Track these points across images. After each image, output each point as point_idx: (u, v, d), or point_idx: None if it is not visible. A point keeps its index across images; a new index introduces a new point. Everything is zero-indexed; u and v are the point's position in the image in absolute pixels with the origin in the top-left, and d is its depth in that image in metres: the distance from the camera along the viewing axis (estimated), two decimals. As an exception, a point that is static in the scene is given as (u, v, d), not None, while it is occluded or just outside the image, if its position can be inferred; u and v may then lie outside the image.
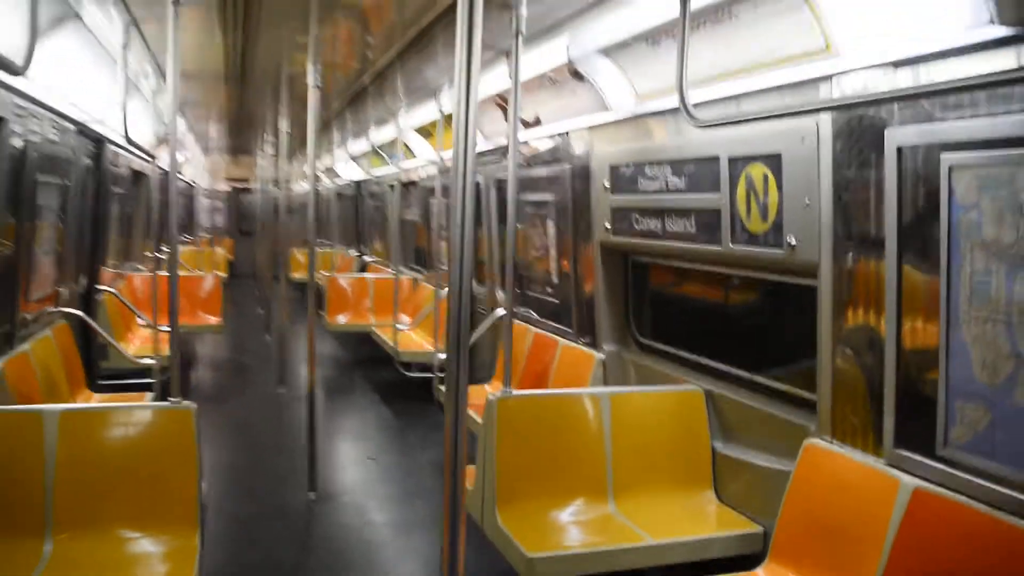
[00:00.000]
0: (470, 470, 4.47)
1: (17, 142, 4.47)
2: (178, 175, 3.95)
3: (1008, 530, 2.56)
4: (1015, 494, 2.58)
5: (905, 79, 2.85)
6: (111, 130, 6.87)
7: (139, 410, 3.84)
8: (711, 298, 4.80)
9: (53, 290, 6.01)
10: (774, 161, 3.53)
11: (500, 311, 5.92)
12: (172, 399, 3.80)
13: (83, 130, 6.10)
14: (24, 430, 3.59)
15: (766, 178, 3.59)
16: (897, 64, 2.87)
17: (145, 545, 3.56)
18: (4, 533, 3.44)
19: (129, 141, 5.08)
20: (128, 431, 3.78)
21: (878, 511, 2.99)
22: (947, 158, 2.73)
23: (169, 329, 4.00)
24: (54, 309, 6.06)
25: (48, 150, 5.13)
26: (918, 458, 2.93)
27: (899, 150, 2.90)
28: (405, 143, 9.21)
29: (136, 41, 4.97)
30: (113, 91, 6.03)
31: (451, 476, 2.44)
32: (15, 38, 3.71)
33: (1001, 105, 2.54)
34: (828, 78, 3.15)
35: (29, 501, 3.53)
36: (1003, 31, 2.44)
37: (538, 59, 4.71)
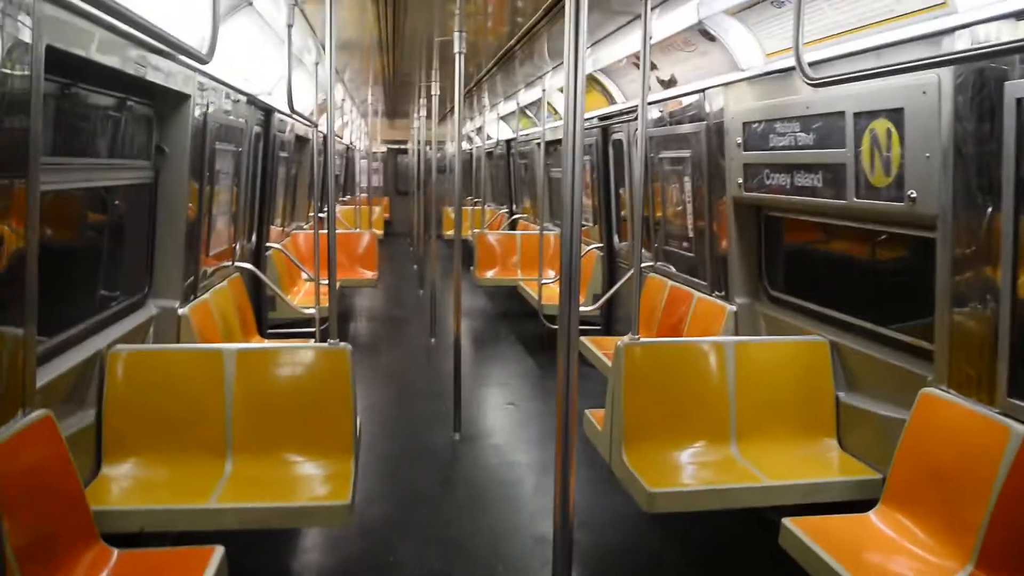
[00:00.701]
0: (600, 413, 4.76)
1: (199, 115, 5.05)
2: (337, 139, 4.38)
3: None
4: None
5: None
6: (278, 100, 7.49)
7: (302, 350, 4.34)
8: (839, 251, 4.84)
9: (229, 246, 6.68)
10: (897, 115, 3.58)
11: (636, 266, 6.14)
12: (331, 341, 4.26)
13: (252, 101, 6.71)
14: (208, 365, 4.15)
15: (889, 132, 3.64)
16: (1019, 16, 2.89)
17: (308, 468, 4.05)
18: (193, 452, 4.01)
19: (292, 109, 5.59)
20: (294, 369, 4.29)
21: (988, 458, 3.07)
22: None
23: (328, 283, 4.47)
24: (230, 264, 6.74)
25: (223, 120, 5.72)
26: (1031, 406, 3.00)
27: (1018, 101, 2.92)
28: (550, 103, 9.46)
29: (299, 20, 5.44)
30: (279, 66, 6.62)
31: (563, 415, 2.66)
32: (199, 27, 4.24)
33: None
34: (949, 31, 3.18)
35: (213, 426, 4.08)
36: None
37: (671, 21, 4.85)
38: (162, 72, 4.34)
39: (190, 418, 4.07)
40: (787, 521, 3.41)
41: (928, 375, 3.61)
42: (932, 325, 3.57)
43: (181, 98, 4.84)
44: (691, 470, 4.19)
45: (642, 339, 4.44)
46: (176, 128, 4.92)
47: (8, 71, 2.70)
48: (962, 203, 3.27)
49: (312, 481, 3.95)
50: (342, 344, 4.22)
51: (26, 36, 2.78)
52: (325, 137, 4.96)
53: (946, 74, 3.24)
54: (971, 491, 3.12)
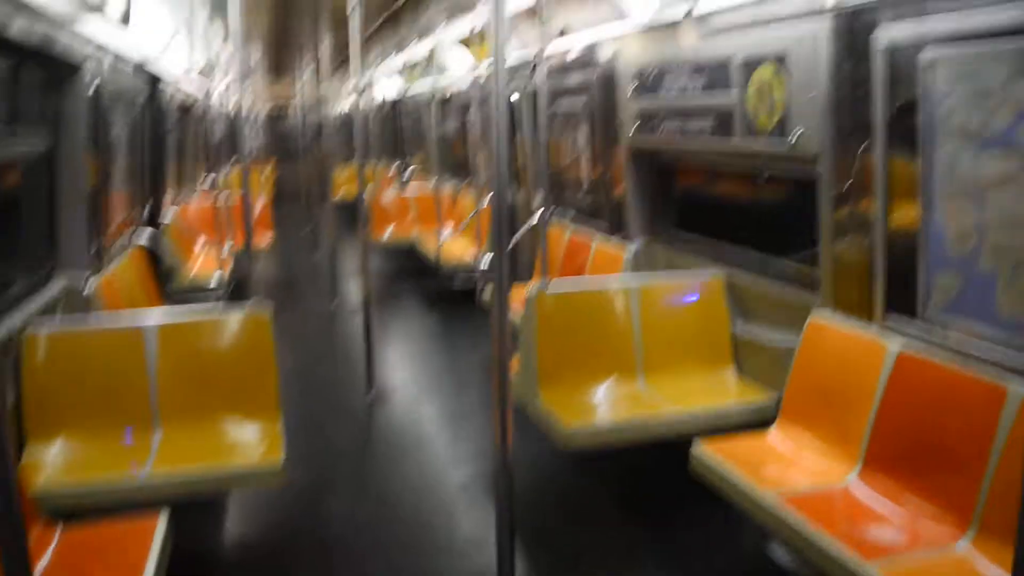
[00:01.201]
0: (512, 361, 4.94)
1: (92, 82, 4.90)
2: (226, 105, 4.34)
3: (976, 382, 2.96)
4: (984, 344, 2.97)
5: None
6: (164, 66, 7.29)
7: (223, 316, 4.33)
8: (729, 192, 5.14)
9: (129, 217, 6.53)
10: (781, 62, 3.84)
11: (537, 214, 6.31)
12: (249, 303, 4.28)
13: (141, 67, 6.52)
14: (129, 339, 4.11)
15: (774, 77, 3.90)
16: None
17: (238, 432, 4.08)
18: (121, 426, 4.00)
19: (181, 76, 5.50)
20: (215, 335, 4.29)
21: (869, 373, 3.41)
22: (926, 55, 3.04)
23: (225, 249, 4.45)
24: (130, 235, 6.59)
25: (116, 87, 5.56)
26: (904, 321, 3.33)
27: (886, 47, 3.20)
28: (443, 62, 9.48)
29: None
30: (163, 29, 6.44)
31: (499, 364, 2.81)
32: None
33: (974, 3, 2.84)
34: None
35: (138, 398, 4.06)
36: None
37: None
38: (57, 42, 4.21)
39: (114, 392, 4.04)
40: (697, 443, 3.68)
41: (815, 300, 3.92)
42: (816, 256, 3.88)
43: (74, 67, 4.70)
44: (604, 407, 4.43)
45: (550, 284, 4.62)
46: (70, 96, 4.78)
47: None
48: (840, 142, 3.55)
49: (243, 445, 4.00)
50: (261, 306, 4.24)
51: None
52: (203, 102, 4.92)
53: (826, 22, 3.49)
54: (855, 403, 3.45)
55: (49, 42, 4.11)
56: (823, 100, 3.59)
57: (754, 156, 4.35)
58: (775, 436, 3.81)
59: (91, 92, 4.89)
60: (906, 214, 3.27)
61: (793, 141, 3.81)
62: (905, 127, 3.19)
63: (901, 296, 3.35)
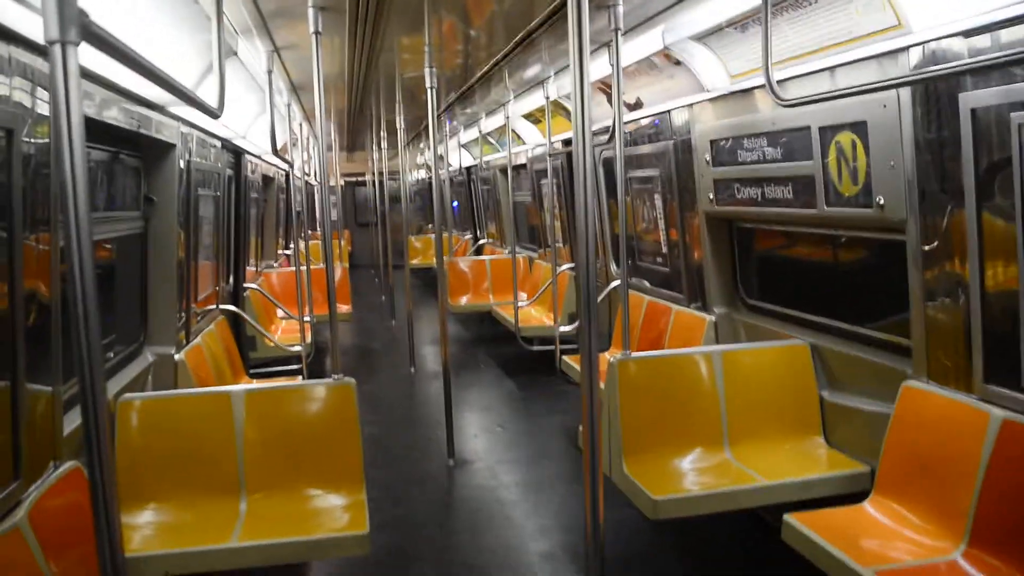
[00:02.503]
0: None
1: (183, 163, 5.16)
2: (306, 177, 4.51)
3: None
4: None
5: (980, 44, 3.12)
6: (248, 142, 7.62)
7: (309, 387, 4.44)
8: (811, 258, 5.08)
9: (214, 290, 6.77)
10: (861, 128, 3.83)
11: (615, 282, 6.34)
12: (335, 376, 4.38)
13: (226, 145, 6.83)
14: (217, 408, 4.24)
15: (854, 144, 3.89)
16: (967, 33, 3.15)
17: (322, 501, 4.14)
18: (208, 494, 4.10)
19: (275, 152, 5.74)
20: (301, 405, 4.39)
21: (971, 443, 3.29)
22: (1017, 116, 3.01)
23: (309, 319, 4.58)
24: (215, 307, 6.82)
25: (204, 167, 5.84)
26: (1006, 391, 3.23)
27: (972, 111, 3.18)
28: (514, 130, 9.68)
29: (276, 64, 5.59)
30: (250, 109, 6.75)
31: (590, 432, 2.80)
32: (191, 76, 4.36)
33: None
34: (904, 49, 3.43)
35: (225, 467, 4.17)
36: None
37: (636, 48, 5.08)
38: (152, 124, 4.46)
39: (202, 461, 4.15)
40: (788, 517, 3.60)
41: (907, 369, 3.84)
42: (907, 321, 3.80)
43: (167, 147, 4.96)
44: (691, 476, 4.37)
45: (633, 354, 4.62)
46: (162, 177, 5.04)
47: (37, 139, 2.82)
48: (927, 206, 3.51)
49: (328, 513, 4.05)
50: (346, 379, 4.34)
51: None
52: (289, 176, 5.11)
53: (905, 89, 3.49)
54: (958, 475, 3.34)
55: (146, 125, 4.36)
56: (907, 164, 3.56)
57: (838, 223, 4.32)
58: (871, 508, 3.70)
59: (182, 172, 5.14)
60: (1003, 277, 3.20)
61: (879, 207, 3.78)
62: (997, 188, 3.14)
63: (1001, 364, 3.25)
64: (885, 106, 3.60)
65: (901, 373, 3.86)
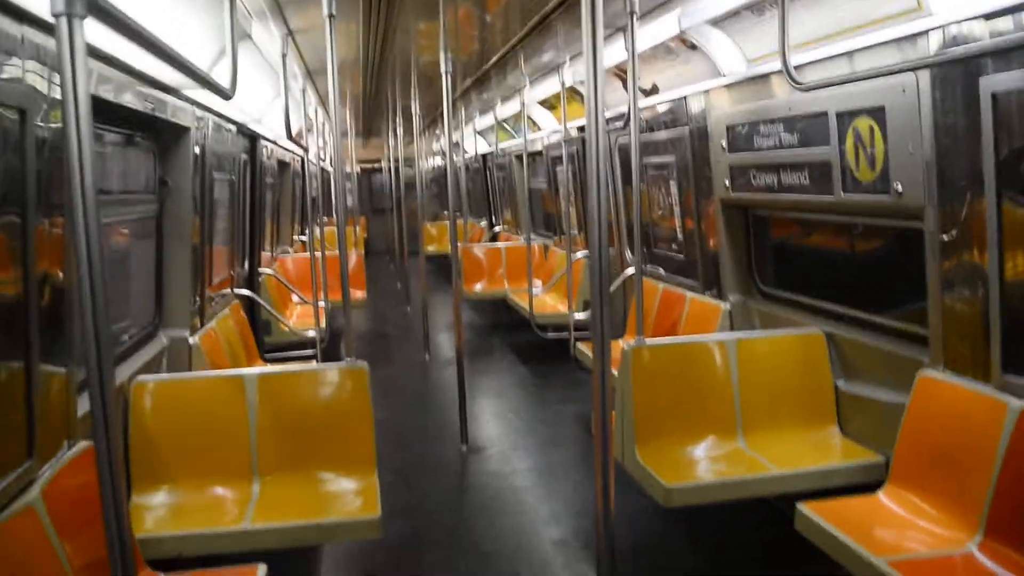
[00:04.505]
0: (608, 414, 4.92)
1: (197, 147, 5.16)
2: (320, 162, 4.50)
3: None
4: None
5: (1002, 26, 3.05)
6: (263, 127, 7.63)
7: (321, 370, 4.45)
8: (827, 246, 5.03)
9: (228, 274, 6.79)
10: (879, 113, 3.77)
11: (630, 269, 6.31)
12: (348, 360, 4.37)
13: (241, 130, 6.83)
14: (231, 392, 4.25)
15: (872, 129, 3.83)
16: (989, 16, 3.08)
17: (335, 484, 4.14)
18: (221, 476, 4.12)
19: (289, 136, 5.73)
20: (314, 389, 4.39)
21: (988, 433, 3.25)
22: (1039, 101, 2.96)
23: (323, 304, 4.57)
24: (230, 291, 6.84)
25: (219, 150, 5.84)
26: (1024, 381, 3.19)
27: (993, 96, 3.12)
28: (529, 116, 9.64)
29: (291, 48, 5.58)
30: (264, 94, 6.74)
31: (601, 419, 2.79)
32: (205, 60, 4.35)
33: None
34: (924, 33, 3.37)
35: (239, 450, 4.17)
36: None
37: (652, 32, 5.03)
38: (167, 107, 4.46)
39: (215, 443, 4.16)
40: (801, 506, 3.57)
41: (923, 358, 3.79)
42: (923, 310, 3.75)
43: (182, 131, 4.95)
44: (704, 464, 4.35)
45: (647, 340, 4.60)
46: (177, 160, 5.04)
47: (52, 124, 2.82)
48: (946, 193, 3.46)
49: (340, 497, 4.06)
50: (359, 363, 4.33)
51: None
52: (304, 161, 5.09)
53: (923, 73, 3.43)
54: (974, 465, 3.29)
55: (161, 108, 4.35)
56: (926, 150, 3.51)
57: (854, 210, 4.26)
58: (886, 498, 3.66)
59: (197, 155, 5.14)
60: (1022, 266, 3.15)
61: (896, 193, 3.73)
62: (1018, 174, 3.09)
63: (1019, 353, 3.21)
64: (904, 90, 3.55)
65: (917, 362, 3.81)
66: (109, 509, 1.88)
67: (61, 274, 3.02)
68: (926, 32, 3.35)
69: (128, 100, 3.84)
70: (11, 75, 2.58)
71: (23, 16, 2.62)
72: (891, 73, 2.91)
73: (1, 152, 2.53)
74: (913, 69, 3.34)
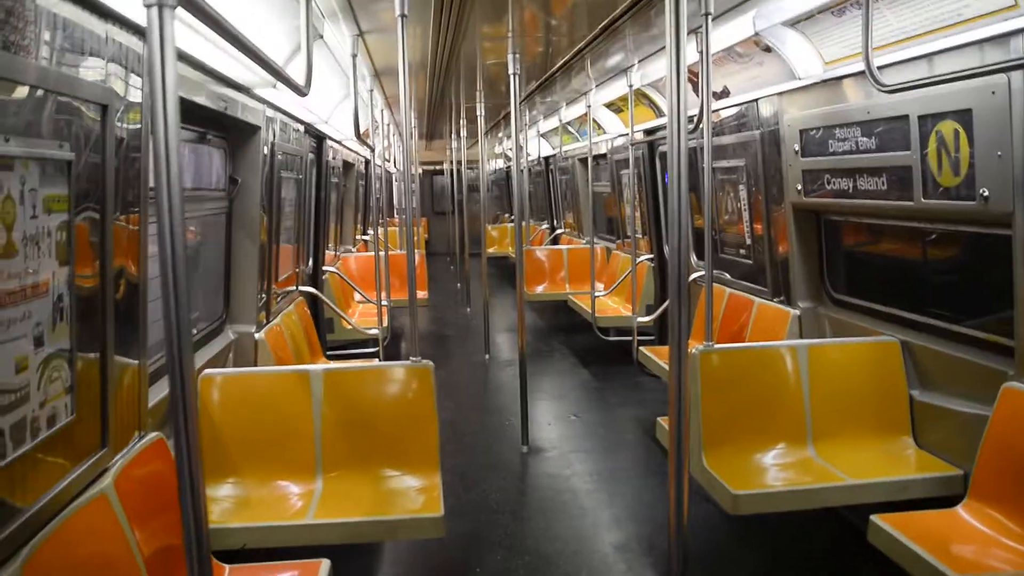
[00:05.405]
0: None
1: (267, 146, 5.24)
2: (385, 163, 4.54)
3: None
4: None
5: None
6: (329, 127, 7.72)
7: (388, 368, 4.47)
8: (903, 252, 4.90)
9: (294, 271, 6.88)
10: (965, 116, 3.65)
11: (698, 273, 6.24)
12: (413, 358, 4.39)
13: (308, 130, 6.92)
14: (297, 387, 4.29)
15: (957, 133, 3.72)
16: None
17: (398, 482, 4.17)
18: (286, 470, 4.17)
19: (358, 137, 5.79)
20: (380, 387, 4.41)
21: (1077, 448, 3.13)
22: None
23: (386, 303, 4.60)
24: (295, 288, 6.94)
25: (287, 150, 5.92)
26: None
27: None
28: (594, 119, 9.60)
29: (360, 49, 5.64)
30: (333, 94, 6.82)
31: (676, 426, 2.75)
32: (278, 58, 4.42)
33: None
34: (1017, 32, 3.25)
35: (303, 445, 4.22)
36: None
37: (726, 34, 4.96)
38: (238, 106, 4.54)
39: (280, 438, 4.21)
40: (876, 518, 3.48)
41: (1007, 370, 3.66)
42: (1009, 320, 3.62)
43: (252, 130, 5.03)
44: (772, 472, 4.27)
45: (716, 345, 4.53)
46: (247, 159, 5.13)
47: (130, 125, 2.88)
48: (1037, 199, 3.34)
49: (403, 495, 4.07)
50: (425, 361, 4.35)
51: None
52: (369, 162, 5.13)
53: (1016, 74, 3.31)
54: (1061, 482, 3.17)
55: (233, 107, 4.43)
56: (1017, 154, 3.38)
57: (936, 216, 4.14)
58: (965, 513, 3.54)
59: (266, 154, 5.22)
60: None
61: (983, 200, 3.61)
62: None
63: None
64: (994, 92, 3.43)
65: (1001, 374, 3.68)
66: (186, 498, 1.91)
67: (135, 270, 3.09)
68: (1020, 31, 3.23)
69: (203, 99, 3.91)
70: (96, 73, 2.64)
71: (108, 15, 2.67)
72: (982, 74, 2.81)
73: (83, 150, 2.59)
74: (1005, 70, 3.22)
